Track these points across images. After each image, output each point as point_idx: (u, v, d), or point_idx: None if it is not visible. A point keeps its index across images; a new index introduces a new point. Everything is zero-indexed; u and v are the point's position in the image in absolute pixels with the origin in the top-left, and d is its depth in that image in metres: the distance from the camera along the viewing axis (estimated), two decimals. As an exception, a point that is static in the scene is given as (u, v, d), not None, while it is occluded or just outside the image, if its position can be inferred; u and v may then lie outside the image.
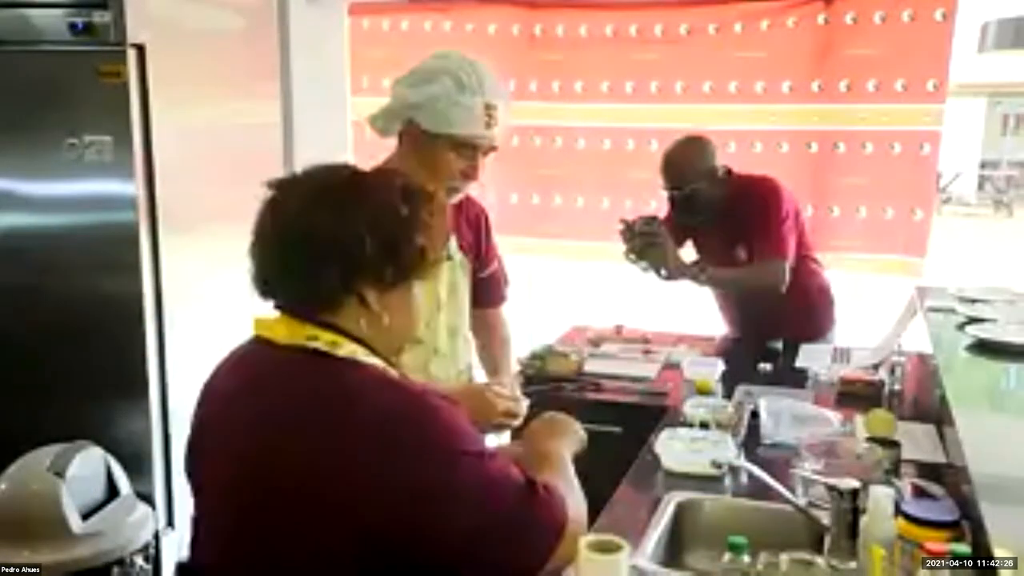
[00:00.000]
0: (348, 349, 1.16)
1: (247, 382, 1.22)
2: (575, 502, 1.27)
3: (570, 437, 1.48)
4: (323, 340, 1.15)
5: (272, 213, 1.21)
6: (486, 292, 2.17)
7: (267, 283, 1.21)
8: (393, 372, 1.21)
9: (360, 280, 1.17)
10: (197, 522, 1.28)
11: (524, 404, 1.76)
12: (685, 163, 2.79)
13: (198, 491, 1.29)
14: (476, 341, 2.20)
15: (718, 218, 2.82)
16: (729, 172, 2.84)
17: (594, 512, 1.72)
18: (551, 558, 1.17)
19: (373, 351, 1.19)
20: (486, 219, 2.14)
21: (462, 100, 1.76)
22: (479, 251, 2.11)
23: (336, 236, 1.15)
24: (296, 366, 1.16)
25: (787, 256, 2.76)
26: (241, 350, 1.28)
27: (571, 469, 1.37)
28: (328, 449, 1.08)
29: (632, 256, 2.82)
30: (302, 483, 1.09)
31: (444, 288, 1.99)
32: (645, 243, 2.78)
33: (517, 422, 1.74)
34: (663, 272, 2.82)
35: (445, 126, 1.77)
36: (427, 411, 1.12)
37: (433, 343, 1.98)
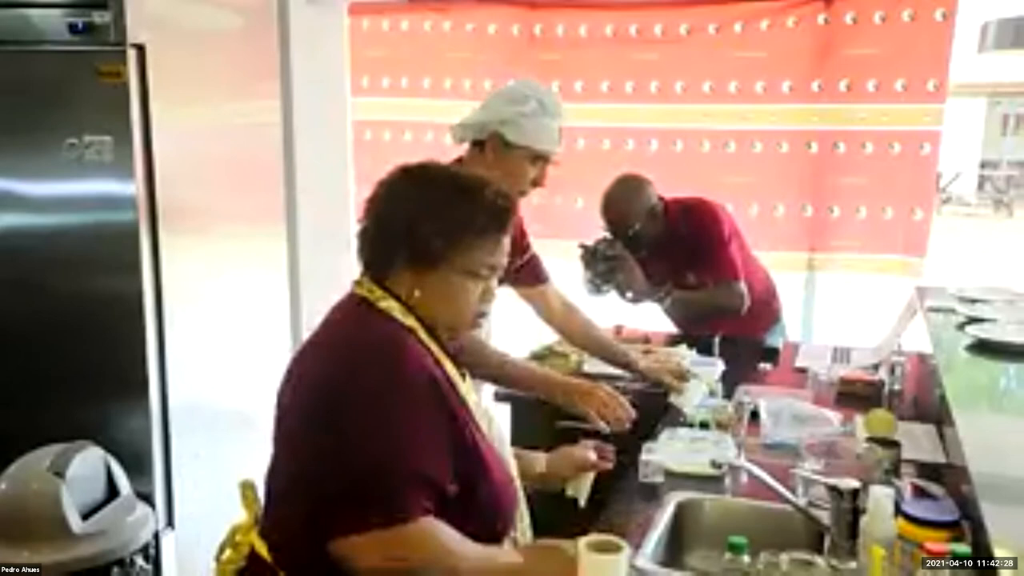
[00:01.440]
0: (387, 304, 1.37)
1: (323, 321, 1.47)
2: (436, 554, 1.25)
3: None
4: (374, 295, 1.39)
5: (371, 203, 1.43)
6: (532, 273, 2.43)
7: (365, 255, 1.44)
8: (422, 335, 1.38)
9: (414, 259, 1.37)
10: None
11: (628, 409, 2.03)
12: (626, 206, 2.86)
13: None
14: (549, 322, 2.48)
15: (662, 249, 2.88)
16: (665, 204, 2.90)
17: (594, 512, 1.72)
18: (348, 538, 1.23)
19: (417, 318, 1.39)
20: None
21: (543, 121, 2.08)
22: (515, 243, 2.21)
23: (409, 225, 1.36)
24: (349, 307, 1.42)
25: (740, 277, 2.86)
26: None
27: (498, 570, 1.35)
28: (335, 369, 1.33)
29: (597, 280, 2.85)
30: (313, 397, 1.33)
31: None
32: (610, 267, 2.82)
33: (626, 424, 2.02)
34: (628, 295, 2.86)
35: (527, 140, 2.07)
36: (398, 356, 1.32)
37: None
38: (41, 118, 2.44)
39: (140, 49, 2.39)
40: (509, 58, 3.74)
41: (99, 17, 2.37)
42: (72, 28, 2.39)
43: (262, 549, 1.35)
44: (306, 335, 1.48)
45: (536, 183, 2.14)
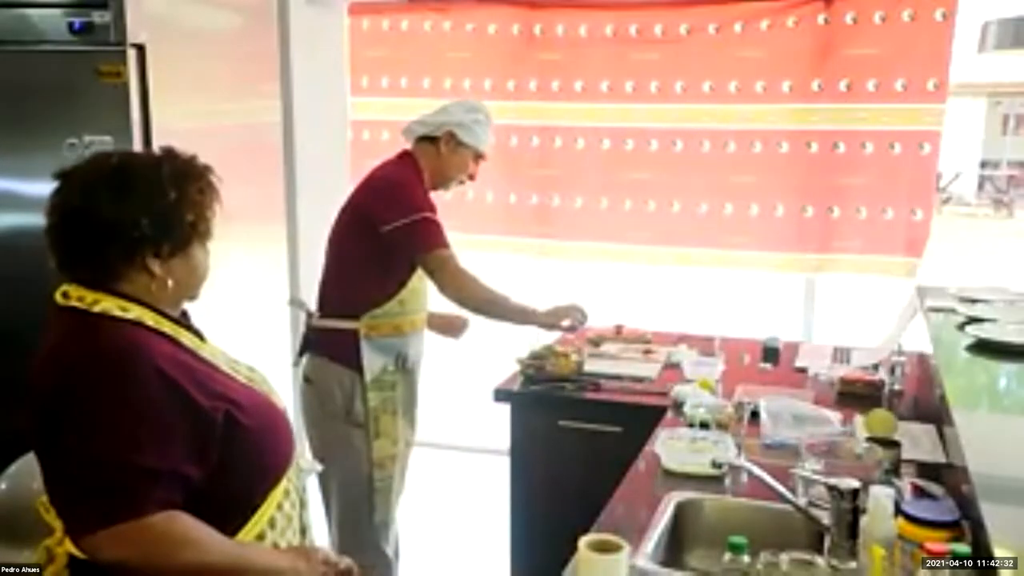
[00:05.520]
0: (103, 306, 1.35)
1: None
2: (171, 546, 1.30)
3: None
4: (86, 301, 1.35)
5: (59, 201, 1.38)
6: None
7: (63, 262, 1.39)
8: (150, 322, 1.37)
9: (141, 254, 1.36)
10: None
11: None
12: None
13: None
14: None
15: None
16: None
17: (594, 512, 1.72)
18: (86, 533, 1.30)
19: (151, 307, 1.38)
20: None
21: (487, 129, 2.51)
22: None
23: (116, 219, 1.34)
24: (58, 321, 1.39)
25: None
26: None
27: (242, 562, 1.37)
28: (60, 385, 1.35)
29: None
30: (44, 417, 1.38)
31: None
32: None
33: None
34: None
35: (475, 142, 2.48)
36: (122, 365, 1.31)
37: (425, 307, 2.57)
38: (41, 118, 2.44)
39: (140, 49, 2.39)
40: (509, 58, 3.74)
41: (99, 17, 2.37)
42: (72, 28, 2.39)
43: (81, 553, 1.36)
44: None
45: (472, 177, 2.56)
